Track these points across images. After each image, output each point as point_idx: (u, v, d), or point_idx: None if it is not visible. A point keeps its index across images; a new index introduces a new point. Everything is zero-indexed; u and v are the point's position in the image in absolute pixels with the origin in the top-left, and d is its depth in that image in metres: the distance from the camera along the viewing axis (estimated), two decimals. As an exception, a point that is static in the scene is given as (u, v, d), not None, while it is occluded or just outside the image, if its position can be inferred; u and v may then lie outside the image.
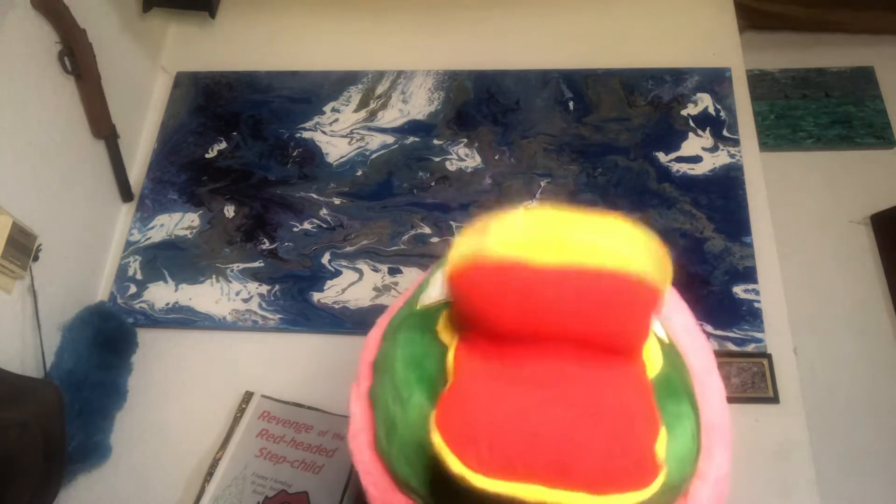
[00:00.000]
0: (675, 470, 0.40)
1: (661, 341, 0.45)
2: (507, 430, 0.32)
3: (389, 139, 1.18)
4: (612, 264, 0.32)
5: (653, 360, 0.42)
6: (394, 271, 1.07)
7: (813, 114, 1.43)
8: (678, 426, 0.41)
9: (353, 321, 1.03)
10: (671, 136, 1.13)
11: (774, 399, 0.94)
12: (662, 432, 0.35)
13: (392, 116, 1.20)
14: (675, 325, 0.49)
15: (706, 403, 0.46)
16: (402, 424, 0.42)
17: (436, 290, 0.47)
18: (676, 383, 0.43)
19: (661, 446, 0.34)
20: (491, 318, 0.34)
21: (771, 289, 1.01)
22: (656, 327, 0.46)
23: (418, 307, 0.47)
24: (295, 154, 1.18)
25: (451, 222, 1.10)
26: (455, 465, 0.32)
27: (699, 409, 0.45)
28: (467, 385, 0.34)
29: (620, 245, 0.33)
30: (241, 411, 0.97)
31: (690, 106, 1.16)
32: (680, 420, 0.41)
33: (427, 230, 1.09)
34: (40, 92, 0.97)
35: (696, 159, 1.11)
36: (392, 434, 0.42)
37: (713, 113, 1.15)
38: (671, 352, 0.46)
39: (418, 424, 0.39)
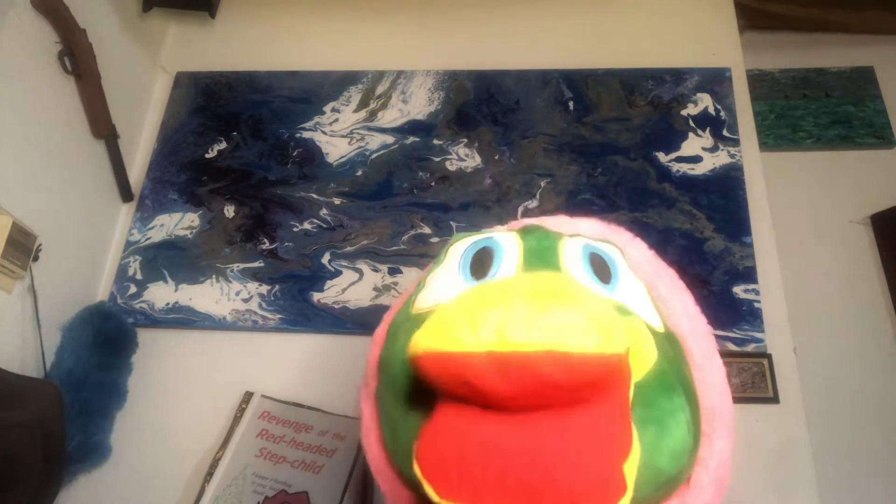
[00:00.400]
0: (669, 465, 0.40)
1: (655, 332, 0.45)
2: (475, 458, 0.34)
3: (389, 139, 1.18)
4: (547, 347, 0.33)
5: (644, 358, 0.43)
6: (394, 271, 1.07)
7: (813, 114, 1.43)
8: (671, 422, 0.41)
9: (354, 321, 1.03)
10: (671, 136, 1.13)
11: (774, 399, 0.94)
12: (634, 452, 0.35)
13: (392, 116, 1.20)
14: (673, 310, 0.49)
15: (707, 388, 0.46)
16: (402, 430, 0.43)
17: (430, 295, 0.47)
18: (670, 377, 0.43)
19: (631, 466, 0.35)
20: (456, 399, 0.36)
21: (771, 289, 1.01)
22: (651, 318, 0.46)
23: (414, 311, 0.48)
24: (295, 154, 1.18)
25: (451, 222, 1.10)
26: (431, 493, 0.34)
27: (698, 396, 0.45)
28: (442, 420, 0.36)
29: (556, 323, 0.34)
30: (241, 411, 0.97)
31: (690, 106, 1.16)
32: (674, 415, 0.41)
33: (427, 230, 1.09)
34: (40, 92, 0.97)
35: (696, 159, 1.11)
36: (396, 437, 0.44)
37: (713, 113, 1.15)
38: (666, 341, 0.46)
39: (415, 434, 0.40)
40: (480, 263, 0.46)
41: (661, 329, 0.46)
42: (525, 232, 0.49)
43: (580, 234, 0.50)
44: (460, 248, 0.49)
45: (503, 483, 0.33)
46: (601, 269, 0.46)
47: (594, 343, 0.33)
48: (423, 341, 0.36)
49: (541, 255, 0.47)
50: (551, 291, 0.37)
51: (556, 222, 0.54)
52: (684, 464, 0.41)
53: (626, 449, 0.35)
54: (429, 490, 0.34)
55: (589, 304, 0.36)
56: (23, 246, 0.88)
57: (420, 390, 0.42)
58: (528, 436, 0.34)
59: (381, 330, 0.52)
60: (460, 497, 0.34)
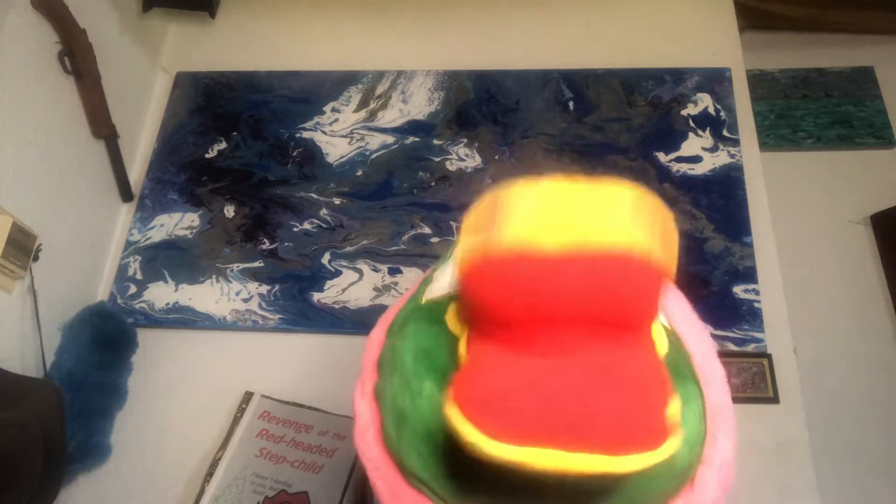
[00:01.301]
0: (684, 453, 0.40)
1: (665, 328, 0.45)
2: (520, 396, 0.32)
3: (389, 139, 1.18)
4: (616, 244, 0.32)
5: (659, 344, 0.42)
6: (394, 271, 1.07)
7: (813, 114, 1.43)
8: (686, 409, 0.41)
9: (353, 321, 1.03)
10: (671, 136, 1.13)
11: (774, 399, 0.94)
12: (675, 398, 0.35)
13: (392, 116, 1.20)
14: (674, 316, 0.50)
15: (710, 388, 0.46)
16: (412, 416, 0.42)
17: (442, 284, 0.47)
18: (682, 366, 0.43)
19: (675, 410, 0.34)
20: (501, 309, 0.34)
21: (771, 289, 1.01)
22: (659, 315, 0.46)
23: (424, 301, 0.47)
24: (295, 154, 1.18)
25: (451, 222, 1.10)
26: (471, 433, 0.32)
27: (704, 394, 0.45)
28: (481, 362, 0.35)
29: (624, 223, 0.33)
30: (241, 411, 0.97)
31: (690, 106, 1.16)
32: (688, 403, 0.41)
33: (427, 230, 1.09)
34: (40, 92, 0.97)
35: (696, 159, 1.11)
36: (402, 427, 0.43)
37: (713, 113, 1.15)
38: (674, 338, 0.46)
39: (429, 414, 0.40)
40: None
41: (668, 327, 0.47)
42: None
43: None
44: None
45: (553, 423, 0.32)
46: None
47: (656, 251, 0.33)
48: (480, 242, 0.34)
49: None
50: (613, 197, 0.36)
51: None
52: (696, 455, 0.41)
53: (668, 394, 0.34)
54: (468, 431, 0.32)
55: (649, 214, 0.36)
56: (23, 246, 0.88)
57: (431, 376, 0.42)
58: (577, 374, 0.33)
59: (377, 332, 0.51)
60: (507, 435, 0.32)
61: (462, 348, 0.38)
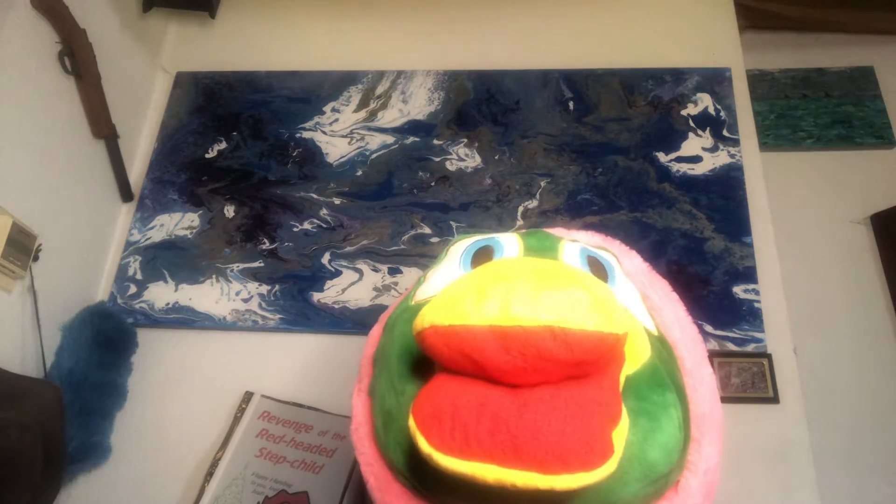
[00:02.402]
0: (661, 459, 0.40)
1: (649, 333, 0.46)
2: (467, 412, 0.35)
3: (389, 139, 1.18)
4: (549, 323, 0.34)
5: (638, 353, 0.43)
6: (394, 271, 1.07)
7: (813, 114, 1.43)
8: (663, 416, 0.41)
9: (353, 321, 1.03)
10: (671, 136, 1.13)
11: (774, 399, 0.94)
12: (623, 422, 0.36)
13: (392, 116, 1.20)
14: (666, 319, 0.50)
15: (697, 395, 0.46)
16: (397, 415, 0.43)
17: (431, 286, 0.48)
18: (662, 374, 0.43)
19: (620, 434, 0.35)
20: (454, 367, 0.37)
21: (771, 289, 1.01)
22: (645, 321, 0.47)
23: (413, 302, 0.48)
24: (295, 154, 1.18)
25: (451, 222, 1.10)
26: (423, 444, 0.35)
27: (689, 400, 0.45)
28: (442, 379, 0.37)
29: (558, 301, 0.35)
30: (241, 411, 0.97)
31: (690, 106, 1.16)
32: (665, 410, 0.42)
33: (427, 230, 1.09)
34: (40, 92, 0.97)
35: (696, 159, 1.11)
36: (388, 424, 0.44)
37: (713, 113, 1.15)
38: (660, 344, 0.46)
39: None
40: (481, 259, 0.47)
41: (654, 333, 0.47)
42: (526, 234, 0.50)
43: (578, 240, 0.51)
44: (461, 246, 0.50)
45: (494, 437, 0.33)
46: (599, 271, 0.47)
47: (594, 322, 0.34)
48: (430, 315, 0.37)
49: (541, 252, 0.48)
50: (556, 272, 0.38)
51: (553, 231, 0.55)
52: (675, 462, 0.41)
53: (616, 417, 0.35)
54: (420, 441, 0.35)
55: (592, 285, 0.37)
56: (23, 246, 0.88)
57: (416, 376, 0.43)
58: (522, 396, 0.35)
59: (376, 330, 0.53)
60: (451, 448, 0.34)
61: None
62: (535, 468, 0.33)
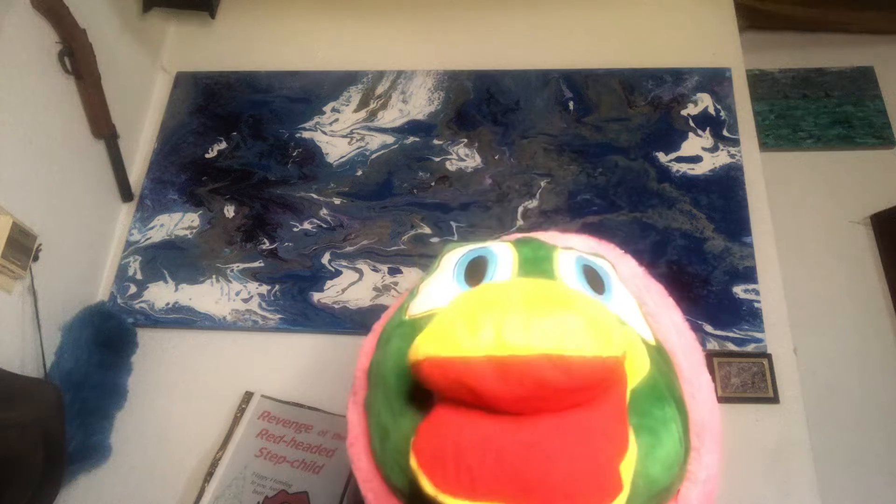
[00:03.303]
0: (661, 475, 0.40)
1: (647, 344, 0.45)
2: (471, 453, 0.34)
3: (389, 139, 1.18)
4: (547, 351, 0.33)
5: (637, 367, 0.43)
6: (394, 271, 1.07)
7: (813, 114, 1.43)
8: (664, 431, 0.41)
9: (353, 321, 1.03)
10: (671, 136, 1.13)
11: (774, 399, 0.94)
12: (631, 451, 0.35)
13: (392, 116, 1.20)
14: (663, 325, 0.49)
15: (696, 403, 0.46)
16: (394, 433, 0.43)
17: (424, 300, 0.47)
18: (662, 387, 0.43)
19: (628, 466, 0.35)
20: (452, 397, 0.36)
21: (771, 289, 1.01)
22: (643, 330, 0.46)
23: (407, 317, 0.47)
24: (295, 154, 1.18)
25: (451, 222, 1.10)
26: (427, 486, 0.34)
27: (687, 409, 0.45)
28: (442, 415, 0.36)
29: (552, 328, 0.34)
30: (241, 411, 0.97)
31: (690, 106, 1.16)
32: (666, 425, 0.41)
33: (427, 230, 1.09)
34: (40, 92, 0.97)
35: (696, 159, 1.11)
36: (385, 443, 0.43)
37: (713, 113, 1.15)
38: (658, 354, 0.46)
39: (409, 434, 0.40)
40: (475, 271, 0.46)
41: (652, 342, 0.46)
42: (520, 242, 0.49)
43: (573, 247, 0.50)
44: (454, 256, 0.49)
45: (499, 477, 0.33)
46: (594, 280, 0.46)
47: (592, 347, 0.33)
48: (424, 347, 0.36)
49: (536, 264, 0.47)
50: (548, 295, 0.37)
51: (548, 237, 0.54)
52: (675, 475, 0.41)
53: (623, 449, 0.35)
54: (424, 482, 0.34)
55: (586, 308, 0.36)
56: (23, 246, 0.88)
57: (412, 395, 0.42)
58: (527, 432, 0.34)
59: (369, 341, 0.51)
60: (456, 490, 0.33)
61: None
62: None
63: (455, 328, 0.35)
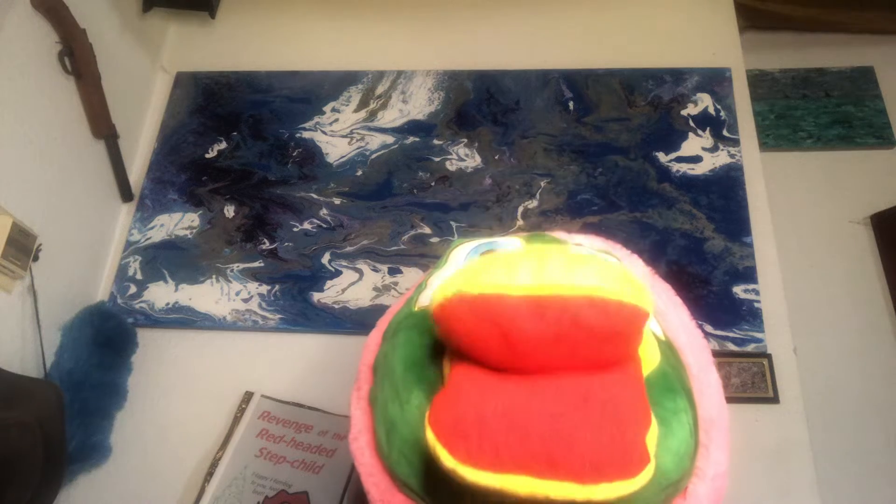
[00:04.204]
0: (672, 466, 0.40)
1: (657, 338, 0.45)
2: (495, 423, 0.32)
3: (389, 139, 1.18)
4: (583, 287, 0.33)
5: (649, 357, 0.43)
6: (394, 271, 1.07)
7: (813, 114, 1.43)
8: (675, 422, 0.41)
9: (353, 321, 1.03)
10: (671, 136, 1.13)
11: (774, 399, 0.94)
12: (654, 426, 0.35)
13: (392, 116, 1.20)
14: (671, 323, 0.49)
15: (705, 399, 0.46)
16: (401, 424, 0.42)
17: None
18: (673, 379, 0.43)
19: (652, 439, 0.34)
20: (476, 347, 0.35)
21: (771, 289, 1.01)
22: (653, 325, 0.46)
23: (416, 308, 0.47)
24: (295, 154, 1.18)
25: (451, 222, 1.10)
26: (446, 459, 0.32)
27: (696, 405, 0.45)
28: (459, 384, 0.35)
29: (592, 272, 0.34)
30: (241, 411, 0.97)
31: (690, 106, 1.16)
32: (677, 415, 0.41)
33: (427, 230, 1.09)
34: (40, 92, 0.97)
35: (696, 159, 1.11)
36: (392, 434, 0.43)
37: (713, 113, 1.15)
38: (667, 349, 0.46)
39: (417, 424, 0.40)
40: None
41: (662, 337, 0.46)
42: (530, 236, 0.49)
43: (581, 244, 0.50)
44: (464, 250, 0.49)
45: (526, 448, 0.32)
46: None
47: (629, 293, 0.33)
48: (456, 284, 0.34)
49: None
50: (578, 252, 0.37)
51: (556, 235, 0.54)
52: (685, 468, 0.41)
53: (648, 422, 0.34)
54: (443, 455, 0.32)
55: (618, 265, 0.36)
56: (23, 246, 0.88)
57: (421, 385, 0.42)
58: (551, 401, 0.33)
59: (374, 336, 0.51)
60: (480, 462, 0.32)
61: (446, 365, 0.38)
62: (572, 479, 0.31)
63: (492, 269, 0.34)
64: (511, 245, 0.47)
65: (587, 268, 0.33)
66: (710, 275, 1.02)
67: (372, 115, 1.21)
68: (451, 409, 0.34)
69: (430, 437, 0.33)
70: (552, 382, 0.34)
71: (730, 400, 0.99)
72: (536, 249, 0.36)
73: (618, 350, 0.34)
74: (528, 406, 0.33)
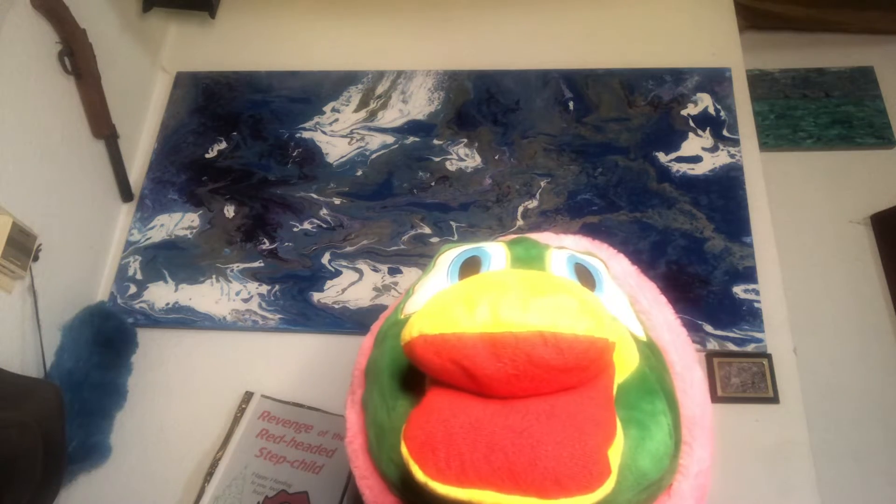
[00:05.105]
0: (651, 467, 0.41)
1: (637, 340, 0.46)
2: (462, 439, 0.34)
3: (389, 139, 1.18)
4: (540, 328, 0.34)
5: (626, 361, 0.43)
6: (394, 271, 1.07)
7: (813, 114, 1.43)
8: (653, 424, 0.41)
9: (353, 321, 1.03)
10: (671, 136, 1.13)
11: (774, 399, 0.94)
12: (619, 438, 0.36)
13: (392, 116, 1.20)
14: (655, 322, 0.50)
15: (688, 398, 0.47)
16: (389, 431, 0.43)
17: (420, 300, 0.48)
18: (651, 381, 0.43)
19: (616, 451, 0.35)
20: (444, 379, 0.36)
21: (771, 289, 1.01)
22: (633, 326, 0.47)
23: (402, 316, 0.48)
24: (295, 154, 1.18)
25: (451, 222, 1.10)
26: (418, 473, 0.34)
27: (679, 404, 0.45)
28: (432, 402, 0.36)
29: (547, 307, 0.35)
30: (241, 411, 0.97)
31: (690, 106, 1.16)
32: (655, 417, 0.42)
33: (427, 230, 1.09)
34: (40, 92, 0.97)
35: (696, 159, 1.11)
36: (381, 440, 0.44)
37: (713, 113, 1.15)
38: (649, 350, 0.46)
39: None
40: (469, 270, 0.47)
41: (643, 338, 0.47)
42: (513, 242, 0.50)
43: (565, 247, 0.51)
44: (448, 257, 0.50)
45: (490, 463, 0.33)
46: (586, 278, 0.47)
47: (584, 326, 0.34)
48: (418, 325, 0.36)
49: (528, 262, 0.47)
50: (544, 280, 0.38)
51: (542, 237, 0.55)
52: (665, 467, 0.42)
53: (611, 434, 0.35)
54: (415, 470, 0.34)
55: (580, 292, 0.37)
56: (23, 246, 0.88)
57: (407, 391, 0.43)
58: (516, 417, 0.34)
59: (367, 341, 0.52)
60: (447, 476, 0.33)
61: (428, 377, 0.40)
62: (534, 493, 0.32)
63: (451, 307, 0.36)
64: (494, 252, 0.48)
65: (544, 301, 0.34)
66: (710, 275, 1.02)
67: (372, 115, 1.20)
68: (423, 426, 0.35)
69: (405, 452, 0.35)
70: (521, 401, 0.35)
71: (730, 400, 1.00)
72: (498, 280, 0.37)
73: (581, 378, 0.35)
74: (494, 422, 0.34)
